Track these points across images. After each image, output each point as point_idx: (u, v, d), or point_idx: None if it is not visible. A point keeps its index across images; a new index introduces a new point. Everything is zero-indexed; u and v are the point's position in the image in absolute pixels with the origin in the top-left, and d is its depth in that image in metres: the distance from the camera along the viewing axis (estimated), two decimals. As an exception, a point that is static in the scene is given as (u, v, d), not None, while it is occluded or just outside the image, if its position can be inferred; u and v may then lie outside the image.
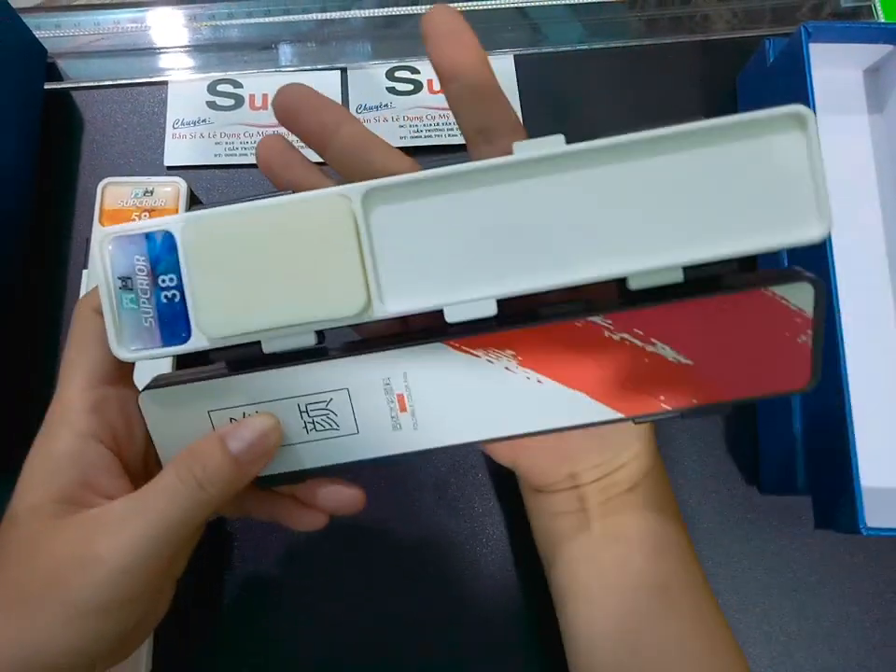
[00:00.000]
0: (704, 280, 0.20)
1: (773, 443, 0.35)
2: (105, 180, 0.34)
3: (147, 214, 0.33)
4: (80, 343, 0.23)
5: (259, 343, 0.21)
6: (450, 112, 0.44)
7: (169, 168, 0.39)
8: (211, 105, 0.40)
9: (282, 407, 0.22)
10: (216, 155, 0.39)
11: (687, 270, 0.20)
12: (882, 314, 0.35)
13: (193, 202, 0.35)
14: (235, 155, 0.39)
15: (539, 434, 0.22)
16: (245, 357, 0.22)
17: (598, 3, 0.42)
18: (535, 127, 0.22)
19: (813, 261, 0.31)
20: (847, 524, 0.28)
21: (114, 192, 0.34)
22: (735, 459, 0.36)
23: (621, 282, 0.20)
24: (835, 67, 0.36)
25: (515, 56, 0.41)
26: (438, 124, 0.40)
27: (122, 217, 0.33)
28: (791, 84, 0.34)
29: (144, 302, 0.21)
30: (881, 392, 0.34)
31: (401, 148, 0.42)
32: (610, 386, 0.22)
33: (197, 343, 0.21)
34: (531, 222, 0.20)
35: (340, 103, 0.40)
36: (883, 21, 0.40)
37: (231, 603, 0.33)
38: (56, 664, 0.20)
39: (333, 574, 0.34)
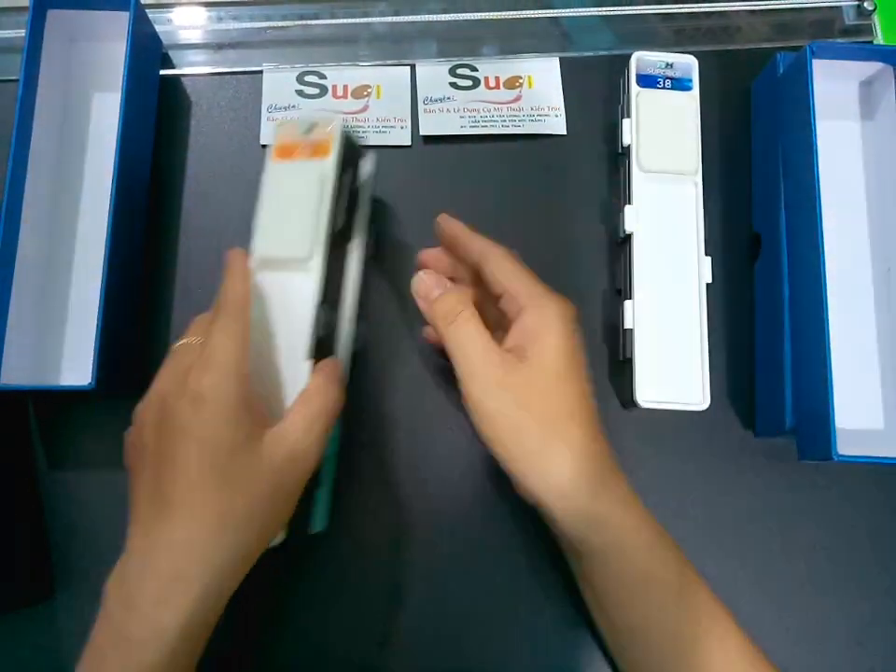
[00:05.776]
0: None
1: (766, 395, 0.42)
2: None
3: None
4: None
5: None
6: (503, 105, 0.51)
7: (264, 146, 0.46)
8: (299, 93, 0.47)
9: None
10: (303, 136, 0.46)
11: None
12: (863, 296, 0.42)
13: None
14: (320, 137, 0.46)
15: None
16: None
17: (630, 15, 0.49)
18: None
19: (803, 236, 0.38)
20: (824, 452, 0.35)
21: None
22: (735, 409, 0.43)
23: None
24: (835, 80, 0.43)
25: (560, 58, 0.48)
26: (493, 116, 0.47)
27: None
28: (796, 94, 0.41)
29: None
30: (855, 355, 0.40)
31: (460, 136, 0.49)
32: None
33: None
34: None
35: (409, 95, 0.46)
36: (880, 40, 0.47)
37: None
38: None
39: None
